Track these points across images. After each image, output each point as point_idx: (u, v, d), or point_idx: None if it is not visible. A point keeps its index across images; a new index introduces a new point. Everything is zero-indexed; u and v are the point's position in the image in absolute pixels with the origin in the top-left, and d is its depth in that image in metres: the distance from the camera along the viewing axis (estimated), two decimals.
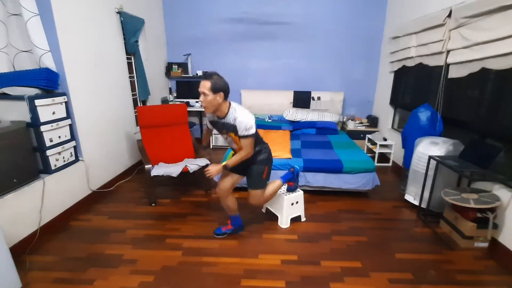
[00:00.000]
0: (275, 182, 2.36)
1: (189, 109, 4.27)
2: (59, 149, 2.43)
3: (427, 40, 3.01)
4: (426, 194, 2.55)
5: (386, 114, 4.34)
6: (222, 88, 1.85)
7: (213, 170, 1.99)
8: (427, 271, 1.96)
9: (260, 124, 4.33)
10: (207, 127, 2.28)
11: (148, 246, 2.19)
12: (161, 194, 3.05)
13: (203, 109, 2.02)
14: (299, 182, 2.60)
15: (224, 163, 2.00)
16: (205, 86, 1.83)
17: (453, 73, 2.67)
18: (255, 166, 2.14)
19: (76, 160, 2.68)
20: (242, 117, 1.89)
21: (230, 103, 1.95)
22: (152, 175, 2.68)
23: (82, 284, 1.81)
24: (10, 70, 2.46)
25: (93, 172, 2.88)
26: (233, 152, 2.27)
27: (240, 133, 1.91)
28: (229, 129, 1.97)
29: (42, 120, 2.25)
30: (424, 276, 1.91)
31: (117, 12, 3.28)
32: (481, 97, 2.54)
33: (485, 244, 2.19)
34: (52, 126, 2.34)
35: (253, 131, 1.91)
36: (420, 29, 3.14)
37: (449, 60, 2.69)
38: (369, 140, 4.28)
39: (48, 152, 2.33)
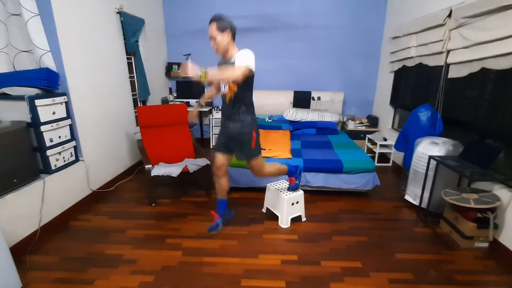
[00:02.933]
0: (281, 165, 2.40)
1: (189, 109, 4.26)
2: (59, 149, 2.43)
3: (427, 40, 3.01)
4: (426, 194, 2.55)
5: (386, 114, 4.35)
6: (227, 26, 1.91)
7: (189, 65, 1.70)
8: (427, 271, 1.96)
9: (260, 124, 4.29)
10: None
11: (148, 246, 2.19)
12: (161, 194, 3.05)
13: (215, 52, 2.03)
14: (300, 183, 2.60)
15: (203, 69, 1.72)
16: (212, 28, 1.91)
17: (453, 73, 2.67)
18: (243, 134, 2.10)
19: (76, 160, 2.68)
20: (244, 51, 1.89)
21: (239, 49, 1.96)
22: (152, 175, 2.68)
23: (82, 284, 1.81)
24: (10, 70, 2.46)
25: (93, 172, 2.88)
26: (223, 103, 2.17)
27: (237, 62, 1.86)
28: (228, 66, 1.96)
29: (42, 120, 2.25)
30: (424, 276, 1.91)
31: (117, 12, 3.28)
32: (481, 97, 2.54)
33: (485, 244, 2.19)
34: (52, 126, 2.34)
35: (249, 62, 1.85)
36: (420, 29, 3.14)
37: (449, 60, 2.69)
38: (369, 140, 4.28)
39: (48, 152, 2.33)
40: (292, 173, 2.49)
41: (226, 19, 1.93)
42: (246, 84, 2.00)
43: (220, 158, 2.24)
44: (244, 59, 1.87)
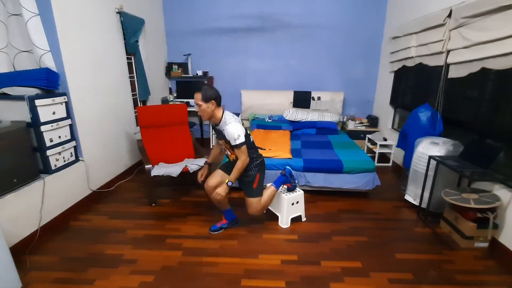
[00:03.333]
0: (269, 188, 2.41)
1: (189, 109, 4.25)
2: (59, 149, 2.43)
3: (427, 40, 3.01)
4: (426, 194, 2.55)
5: (386, 114, 4.35)
6: (212, 96, 2.03)
7: (221, 191, 2.14)
8: (427, 271, 1.96)
9: (260, 124, 4.33)
10: (217, 141, 2.42)
11: (148, 246, 2.19)
12: (161, 194, 3.05)
13: (200, 117, 2.21)
14: (298, 181, 2.60)
15: (227, 181, 2.14)
16: (197, 97, 2.04)
17: (453, 73, 2.67)
18: (246, 176, 2.26)
19: (76, 160, 2.68)
20: (229, 128, 2.03)
21: (224, 112, 2.12)
22: (152, 175, 2.68)
23: (82, 284, 1.81)
24: (10, 70, 2.46)
25: (93, 172, 2.88)
26: (228, 160, 2.38)
27: (231, 143, 2.07)
28: (222, 136, 2.14)
29: (42, 120, 2.25)
30: (424, 276, 1.91)
31: (117, 12, 3.28)
32: (481, 97, 2.54)
33: (485, 244, 2.19)
34: (52, 126, 2.34)
35: (241, 140, 2.04)
36: (420, 29, 3.14)
37: (449, 60, 2.69)
38: (369, 140, 4.28)
39: (48, 152, 2.33)
40: (283, 182, 2.50)
41: (210, 90, 2.05)
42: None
43: (216, 179, 2.30)
44: (235, 139, 2.03)
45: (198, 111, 2.09)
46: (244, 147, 2.08)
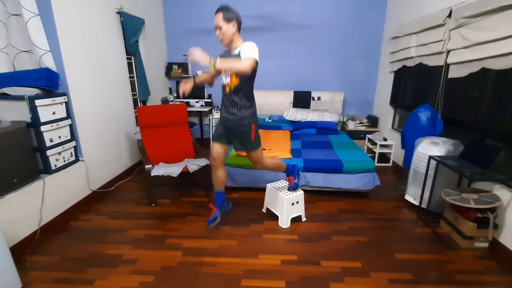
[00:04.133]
0: (279, 161, 2.39)
1: (189, 109, 4.27)
2: (59, 149, 2.43)
3: (427, 40, 3.01)
4: (426, 194, 2.55)
5: (386, 114, 4.34)
6: (234, 16, 1.94)
7: (198, 52, 1.81)
8: (427, 271, 1.96)
9: (260, 124, 4.31)
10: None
11: (148, 246, 2.19)
12: (161, 194, 3.05)
13: (220, 42, 2.07)
14: (300, 182, 2.60)
15: (212, 58, 1.82)
16: (218, 18, 1.92)
17: (453, 73, 2.67)
18: (242, 126, 2.12)
19: (76, 160, 2.68)
20: (249, 43, 1.91)
21: (243, 40, 1.99)
22: (152, 175, 2.68)
23: (82, 284, 1.81)
24: (10, 70, 2.46)
25: (93, 172, 2.88)
26: (223, 93, 2.19)
27: (243, 54, 1.89)
28: (233, 56, 1.99)
29: (42, 120, 2.25)
30: (424, 276, 1.91)
31: (117, 12, 3.28)
32: (481, 97, 2.54)
33: (485, 244, 2.19)
34: (52, 126, 2.34)
35: (255, 55, 1.88)
36: (420, 29, 3.14)
37: (449, 60, 2.69)
38: (369, 140, 4.28)
39: (48, 152, 2.33)
40: (290, 172, 2.50)
41: (232, 10, 1.95)
42: (248, 76, 2.00)
43: (218, 148, 2.25)
44: (250, 51, 1.88)
45: (218, 35, 1.96)
46: (253, 61, 1.85)
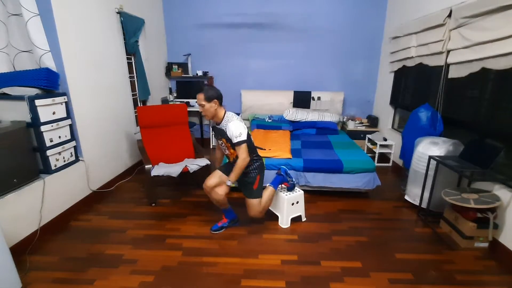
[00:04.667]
0: (267, 189, 2.42)
1: (189, 109, 4.26)
2: (59, 149, 2.43)
3: (427, 40, 3.01)
4: (426, 194, 2.55)
5: (386, 114, 4.34)
6: (214, 96, 2.11)
7: (221, 190, 2.18)
8: (427, 271, 1.96)
9: (260, 124, 4.33)
10: (217, 144, 2.46)
11: (148, 246, 2.19)
12: (161, 194, 3.05)
13: (204, 117, 2.29)
14: (297, 180, 2.60)
15: (227, 182, 2.17)
16: (200, 98, 2.12)
17: (453, 73, 2.67)
18: (247, 177, 2.29)
19: (76, 160, 2.68)
20: (232, 126, 2.10)
21: (225, 112, 2.20)
22: (152, 175, 2.68)
23: (82, 284, 1.81)
24: (10, 70, 2.46)
25: (93, 172, 2.88)
26: (228, 160, 2.40)
27: (233, 140, 2.11)
28: (223, 135, 2.19)
29: (42, 120, 2.25)
30: (424, 276, 1.91)
31: (117, 12, 3.28)
32: (481, 97, 2.54)
33: (485, 244, 2.19)
34: (52, 126, 2.34)
35: (243, 137, 2.09)
36: (420, 29, 3.14)
37: (449, 60, 2.69)
38: (369, 140, 4.28)
39: (48, 152, 2.33)
40: (281, 182, 2.50)
41: (212, 89, 2.14)
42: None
43: (215, 179, 2.27)
44: (236, 136, 2.08)
45: (202, 111, 2.16)
46: (245, 146, 2.11)
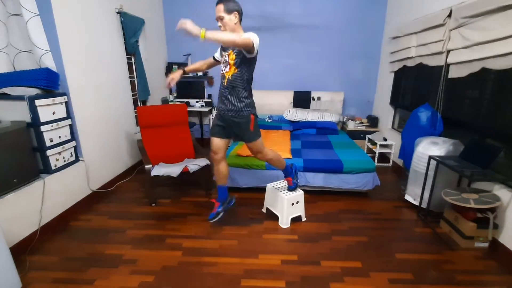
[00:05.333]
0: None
1: (189, 109, 4.27)
2: (59, 149, 2.43)
3: (427, 40, 3.01)
4: (426, 194, 2.55)
5: (386, 114, 4.34)
6: (235, 7, 1.93)
7: (189, 23, 1.68)
8: (427, 271, 1.96)
9: (260, 124, 4.28)
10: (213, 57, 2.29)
11: (148, 246, 2.19)
12: (161, 194, 3.05)
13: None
14: (298, 181, 2.60)
15: (203, 29, 1.69)
16: (219, 9, 1.90)
17: (453, 73, 2.67)
18: (240, 117, 2.12)
19: (76, 160, 2.68)
20: (251, 32, 1.90)
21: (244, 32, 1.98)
22: (152, 175, 2.68)
23: (82, 284, 1.81)
24: (10, 70, 2.46)
25: (93, 172, 2.88)
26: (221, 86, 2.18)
27: (244, 36, 1.88)
28: (234, 48, 1.99)
29: (42, 120, 2.25)
30: (424, 276, 1.91)
31: (117, 12, 3.28)
32: (481, 97, 2.54)
33: (485, 244, 2.19)
34: (52, 126, 2.34)
35: (254, 40, 1.86)
36: (420, 29, 3.14)
37: (449, 60, 2.69)
38: (369, 140, 4.28)
39: (48, 152, 2.33)
40: (288, 173, 2.50)
41: (232, 1, 1.94)
42: (247, 65, 2.01)
43: (217, 142, 2.24)
44: (249, 34, 1.89)
45: (220, 25, 1.95)
46: (250, 40, 1.83)
